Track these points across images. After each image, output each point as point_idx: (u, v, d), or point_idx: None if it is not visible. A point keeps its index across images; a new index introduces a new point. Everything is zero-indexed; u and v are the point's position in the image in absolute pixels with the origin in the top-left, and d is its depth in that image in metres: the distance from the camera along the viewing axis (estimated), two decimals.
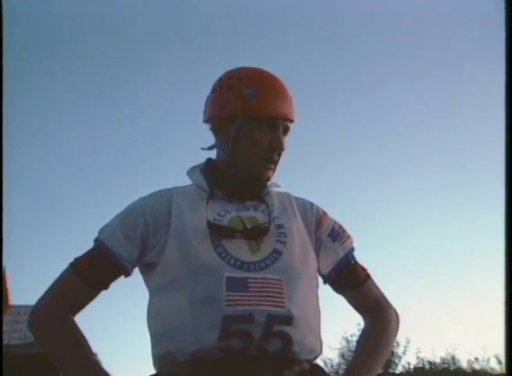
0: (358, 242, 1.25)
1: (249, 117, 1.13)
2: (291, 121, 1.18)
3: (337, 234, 1.21)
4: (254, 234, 1.10)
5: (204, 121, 1.24)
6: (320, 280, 1.20)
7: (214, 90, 1.20)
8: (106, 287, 1.12)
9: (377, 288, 1.24)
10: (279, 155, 1.16)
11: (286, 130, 1.17)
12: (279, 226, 1.13)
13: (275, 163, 1.16)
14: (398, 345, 14.21)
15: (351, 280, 1.21)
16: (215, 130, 1.19)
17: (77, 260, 1.12)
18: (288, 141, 1.18)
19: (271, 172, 1.17)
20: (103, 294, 1.14)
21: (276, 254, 1.08)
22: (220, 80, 1.20)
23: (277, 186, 1.22)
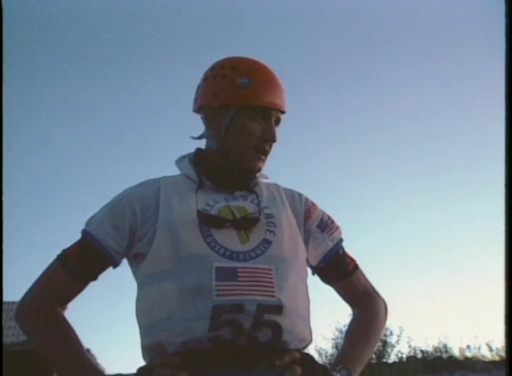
0: (349, 230, 1.26)
1: (243, 107, 1.12)
2: (283, 113, 1.18)
3: (326, 225, 1.21)
4: (244, 224, 1.09)
5: (194, 111, 1.22)
6: (309, 270, 1.20)
7: (206, 79, 1.19)
8: (94, 278, 1.12)
9: (365, 278, 1.25)
10: (271, 146, 1.16)
11: (278, 121, 1.17)
12: (269, 216, 1.12)
13: (267, 154, 1.16)
14: (391, 334, 14.31)
15: (340, 271, 1.22)
16: (207, 119, 1.18)
17: (65, 252, 1.11)
18: (279, 132, 1.17)
19: (262, 163, 1.16)
20: (95, 287, 1.13)
21: (266, 243, 1.08)
22: (212, 69, 1.18)
23: (265, 177, 1.22)
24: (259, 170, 1.16)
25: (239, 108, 1.12)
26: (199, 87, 1.21)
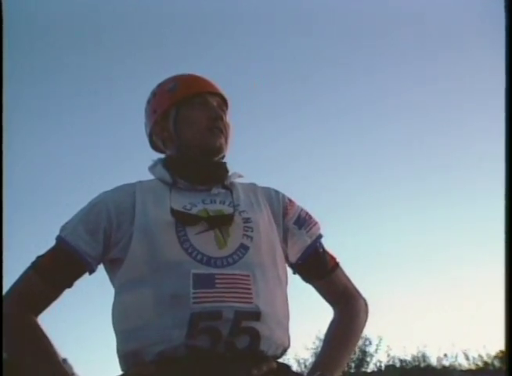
0: (330, 233, 1.25)
1: (178, 104, 1.19)
2: (220, 97, 1.23)
3: (304, 221, 1.20)
4: (218, 221, 1.08)
5: (150, 143, 1.28)
6: (290, 272, 1.19)
7: (145, 111, 1.27)
8: (69, 285, 1.09)
9: (347, 277, 1.24)
10: (224, 126, 1.19)
11: (220, 105, 1.22)
12: (246, 220, 1.11)
13: (221, 130, 1.18)
14: (370, 343, 14.37)
15: (319, 269, 1.20)
16: (159, 135, 1.23)
17: (39, 258, 1.09)
18: (230, 118, 1.24)
19: (221, 141, 1.18)
20: (73, 294, 1.11)
21: (243, 249, 1.07)
22: (147, 101, 1.27)
23: (240, 176, 1.22)
24: (220, 147, 1.18)
25: (176, 107, 1.19)
26: (145, 125, 1.28)
